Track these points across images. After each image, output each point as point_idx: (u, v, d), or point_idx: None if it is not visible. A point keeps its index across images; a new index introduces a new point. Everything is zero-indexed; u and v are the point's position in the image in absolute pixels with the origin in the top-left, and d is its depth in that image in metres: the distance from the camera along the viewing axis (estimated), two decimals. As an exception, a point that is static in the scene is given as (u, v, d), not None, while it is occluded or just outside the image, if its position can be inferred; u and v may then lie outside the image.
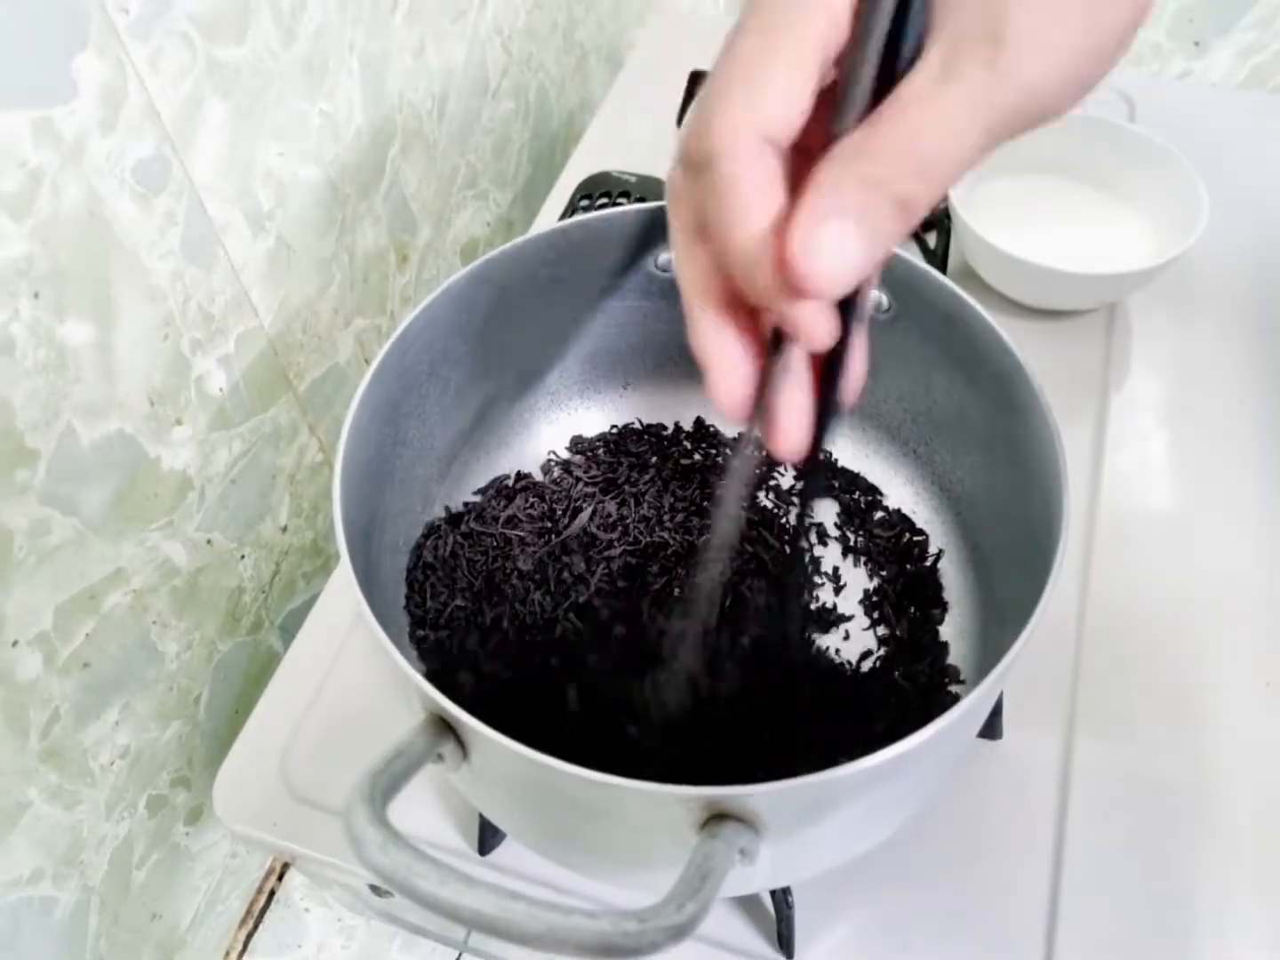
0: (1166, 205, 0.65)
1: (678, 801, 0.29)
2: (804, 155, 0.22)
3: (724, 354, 0.25)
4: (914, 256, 0.44)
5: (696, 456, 0.54)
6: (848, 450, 0.54)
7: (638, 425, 0.55)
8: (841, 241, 0.21)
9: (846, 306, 0.24)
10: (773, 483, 0.53)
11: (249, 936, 0.77)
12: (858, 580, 0.50)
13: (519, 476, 0.53)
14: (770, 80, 0.21)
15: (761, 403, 0.26)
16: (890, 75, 0.21)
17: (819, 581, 0.50)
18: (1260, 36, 0.95)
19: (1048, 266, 0.60)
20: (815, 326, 0.23)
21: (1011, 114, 0.21)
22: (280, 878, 0.80)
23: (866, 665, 0.47)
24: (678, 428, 0.55)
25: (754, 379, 0.26)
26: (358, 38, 0.56)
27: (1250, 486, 0.58)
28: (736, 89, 0.22)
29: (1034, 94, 0.20)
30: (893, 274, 0.45)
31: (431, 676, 0.31)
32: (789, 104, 0.22)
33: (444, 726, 0.32)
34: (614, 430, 0.55)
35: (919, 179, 0.21)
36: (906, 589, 0.49)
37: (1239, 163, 0.74)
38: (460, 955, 0.77)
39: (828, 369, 0.26)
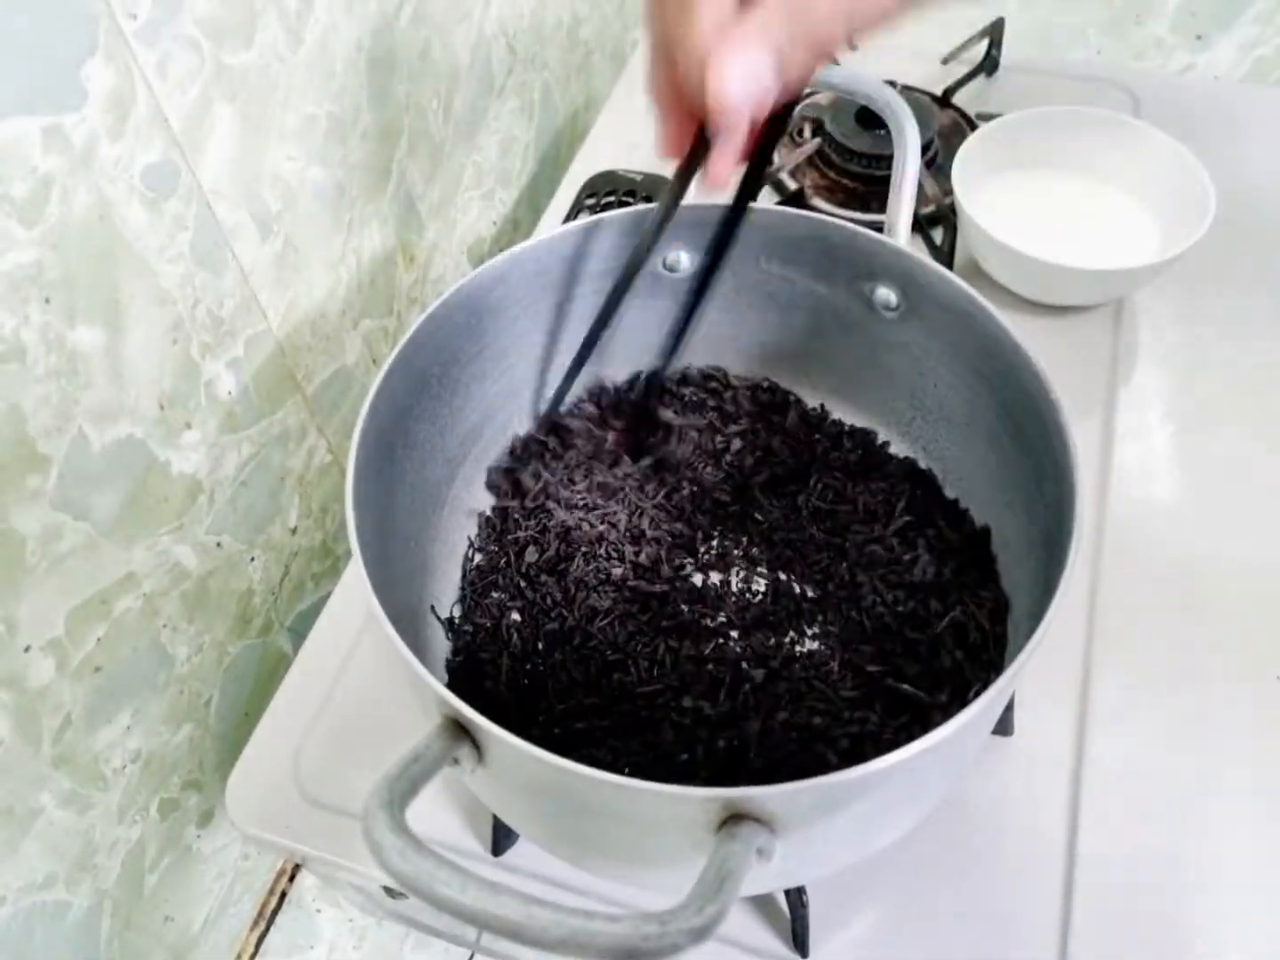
0: (1173, 200, 0.64)
1: (696, 803, 0.29)
2: None
3: (671, 129, 0.35)
4: (922, 254, 0.44)
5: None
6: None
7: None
8: (746, 72, 0.29)
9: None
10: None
11: (261, 938, 0.78)
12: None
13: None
14: None
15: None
16: None
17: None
18: (1263, 31, 0.95)
19: (1055, 263, 0.60)
20: (730, 129, 0.30)
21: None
22: (292, 879, 0.80)
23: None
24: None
25: (688, 141, 0.35)
26: (364, 39, 0.56)
27: (1258, 479, 0.58)
28: None
29: None
30: (901, 271, 0.45)
31: (448, 680, 0.31)
32: None
33: (460, 730, 0.32)
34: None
35: (807, 39, 0.29)
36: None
37: (1243, 157, 0.74)
38: (472, 955, 0.77)
39: (760, 149, 0.35)
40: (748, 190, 0.38)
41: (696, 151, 0.34)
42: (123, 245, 0.43)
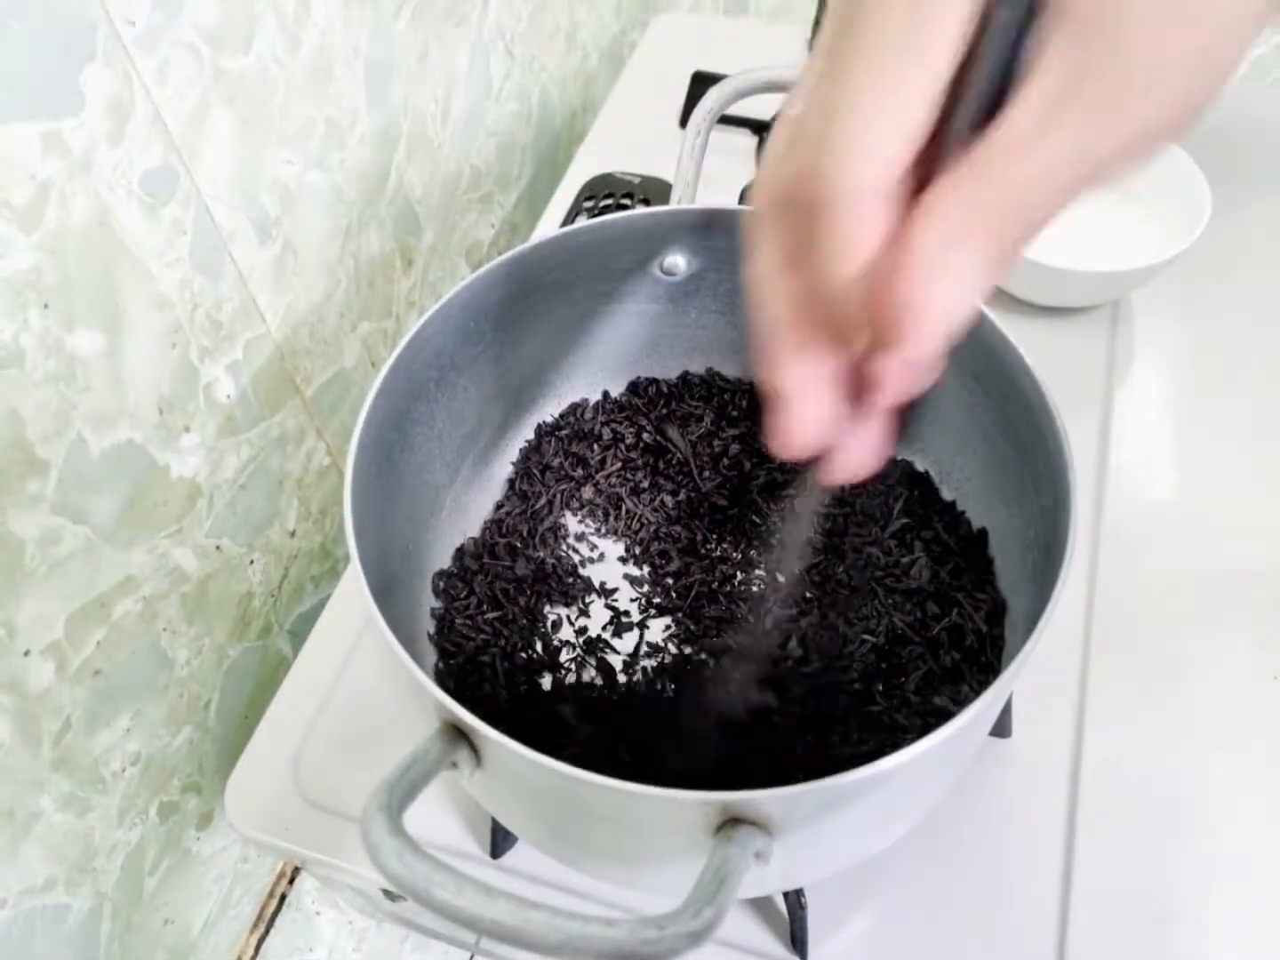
0: (1169, 201, 0.65)
1: (693, 806, 0.29)
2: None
3: (802, 390, 0.24)
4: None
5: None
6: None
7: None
8: (961, 274, 0.20)
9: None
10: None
11: (260, 940, 0.78)
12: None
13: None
14: (894, 119, 0.20)
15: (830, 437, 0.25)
16: (1004, 91, 0.20)
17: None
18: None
19: (1052, 265, 0.60)
20: (916, 375, 0.22)
21: (1122, 151, 0.19)
22: (291, 881, 0.80)
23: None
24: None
25: (827, 418, 0.25)
26: (362, 43, 0.56)
27: (1254, 480, 0.58)
28: (856, 129, 0.20)
29: (1148, 131, 0.19)
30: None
31: (445, 683, 0.32)
32: (910, 143, 0.20)
33: (458, 734, 0.32)
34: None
35: (1023, 221, 0.20)
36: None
37: (1240, 157, 0.74)
38: (472, 957, 0.77)
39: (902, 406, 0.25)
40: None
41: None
42: (121, 250, 0.44)
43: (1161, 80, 0.19)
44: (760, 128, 0.77)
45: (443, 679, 0.46)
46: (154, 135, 0.43)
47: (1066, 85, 0.19)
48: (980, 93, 0.20)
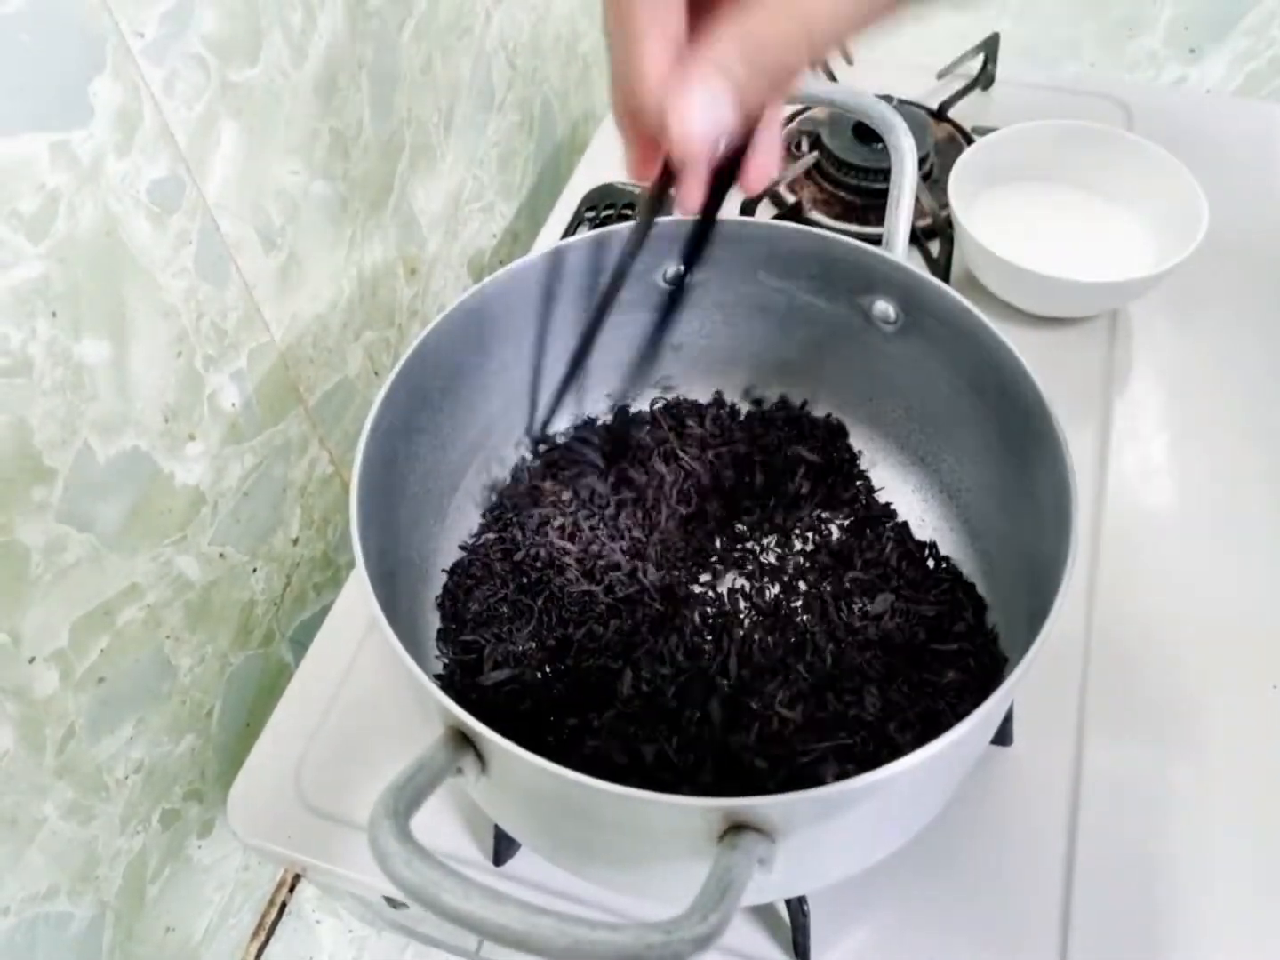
0: (1166, 212, 0.65)
1: (698, 813, 0.29)
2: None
3: (637, 155, 0.33)
4: (919, 267, 0.45)
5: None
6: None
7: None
8: (706, 113, 0.28)
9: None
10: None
11: (261, 949, 0.78)
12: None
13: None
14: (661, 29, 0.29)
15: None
16: None
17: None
18: (1254, 44, 0.96)
19: (1050, 275, 0.60)
20: (695, 162, 0.30)
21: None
22: (292, 889, 0.80)
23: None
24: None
25: (657, 166, 0.34)
26: (367, 55, 0.57)
27: (1253, 488, 0.59)
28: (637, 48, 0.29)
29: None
30: (900, 285, 0.46)
31: (449, 689, 0.32)
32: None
33: (464, 740, 0.32)
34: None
35: (763, 65, 0.28)
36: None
37: (1236, 169, 0.74)
38: (472, 965, 0.77)
39: (728, 163, 0.33)
40: (712, 210, 0.37)
41: (665, 176, 0.35)
42: (128, 259, 0.44)
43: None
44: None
45: (448, 685, 0.46)
46: (161, 146, 0.44)
47: None
48: None
